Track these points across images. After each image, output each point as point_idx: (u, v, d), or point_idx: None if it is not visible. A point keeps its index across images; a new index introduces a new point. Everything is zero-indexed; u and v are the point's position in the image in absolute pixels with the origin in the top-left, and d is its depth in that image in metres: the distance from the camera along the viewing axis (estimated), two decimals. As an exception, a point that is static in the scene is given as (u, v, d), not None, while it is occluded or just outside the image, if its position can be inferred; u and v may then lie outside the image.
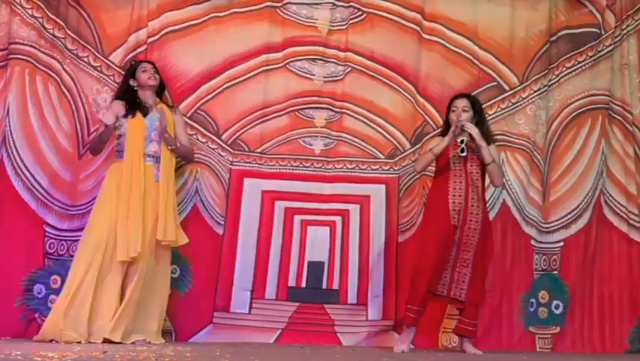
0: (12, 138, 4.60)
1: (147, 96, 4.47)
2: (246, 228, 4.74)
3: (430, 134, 4.84)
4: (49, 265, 4.59)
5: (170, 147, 4.41)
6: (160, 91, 4.56)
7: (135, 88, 4.46)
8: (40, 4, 4.67)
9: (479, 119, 4.41)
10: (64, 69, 4.68)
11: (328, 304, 4.74)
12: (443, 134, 4.45)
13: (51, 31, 4.69)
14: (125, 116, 4.39)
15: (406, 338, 4.35)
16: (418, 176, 4.83)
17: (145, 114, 4.40)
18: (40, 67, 4.66)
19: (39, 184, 4.61)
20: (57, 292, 4.52)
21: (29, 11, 4.67)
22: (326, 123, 4.88)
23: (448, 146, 4.36)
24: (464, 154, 4.34)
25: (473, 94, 4.71)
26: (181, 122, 4.56)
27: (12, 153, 4.60)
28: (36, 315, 4.55)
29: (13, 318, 4.51)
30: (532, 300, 4.87)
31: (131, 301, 4.25)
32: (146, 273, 4.28)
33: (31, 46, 4.65)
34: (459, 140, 4.36)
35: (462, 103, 4.41)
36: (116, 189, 4.31)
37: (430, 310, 4.59)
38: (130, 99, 4.43)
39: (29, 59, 4.64)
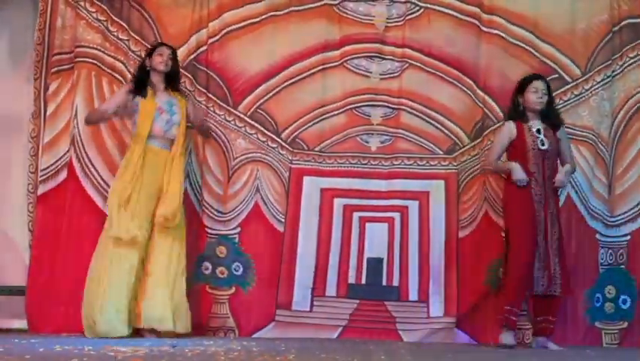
0: (80, 138, 4.73)
1: (157, 80, 4.53)
2: (306, 225, 4.78)
3: (495, 126, 4.79)
4: (115, 262, 4.70)
5: (201, 127, 4.59)
6: (172, 79, 4.57)
7: (148, 69, 4.51)
8: (104, 7, 4.80)
9: (551, 100, 4.44)
10: (128, 70, 4.80)
11: (389, 301, 4.74)
12: (513, 117, 4.41)
13: (115, 33, 4.82)
14: (135, 96, 4.46)
15: (510, 337, 4.33)
16: (477, 171, 4.81)
17: (151, 94, 4.47)
18: (106, 69, 4.79)
19: (106, 183, 4.72)
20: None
21: (94, 15, 4.81)
22: (382, 120, 4.88)
23: (525, 140, 4.35)
24: (545, 147, 4.34)
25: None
26: (191, 108, 4.63)
27: (80, 153, 4.73)
28: (105, 311, 4.66)
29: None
30: (598, 295, 4.78)
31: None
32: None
33: (96, 49, 4.79)
34: (534, 129, 4.36)
35: (542, 85, 4.43)
36: (132, 168, 4.38)
37: (494, 305, 4.56)
38: (139, 79, 4.49)
39: (95, 61, 4.78)
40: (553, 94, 4.80)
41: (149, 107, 4.45)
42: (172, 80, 4.57)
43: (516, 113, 4.44)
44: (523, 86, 4.45)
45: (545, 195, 4.34)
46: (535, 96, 4.40)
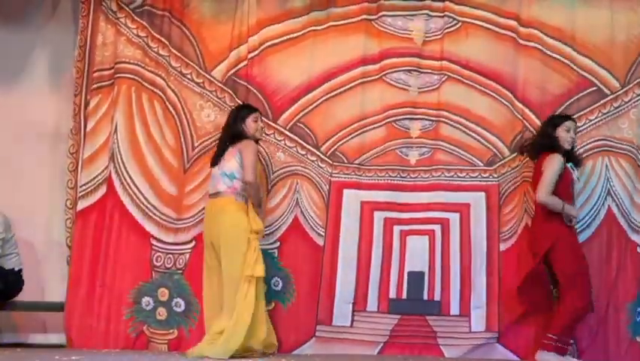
0: (120, 154, 4.75)
1: None
2: (346, 239, 4.75)
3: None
4: (156, 278, 4.69)
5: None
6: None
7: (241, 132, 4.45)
8: (144, 23, 4.84)
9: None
10: (168, 86, 4.82)
11: (430, 315, 4.68)
12: (544, 149, 4.49)
13: (155, 49, 4.85)
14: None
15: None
16: (519, 183, 4.78)
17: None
18: (146, 85, 4.82)
19: (145, 199, 4.74)
20: (165, 304, 4.65)
21: (134, 31, 4.84)
22: (421, 133, 4.86)
23: (571, 175, 4.48)
24: (578, 184, 4.58)
25: (573, 100, 4.78)
26: None
27: (120, 168, 4.74)
28: (144, 327, 4.64)
29: (122, 330, 4.62)
30: (639, 309, 4.73)
31: None
32: None
33: (136, 64, 4.82)
34: (569, 165, 4.56)
35: (574, 126, 4.58)
36: None
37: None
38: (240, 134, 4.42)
39: (135, 77, 4.81)
40: (593, 106, 4.83)
41: None
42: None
43: (547, 146, 4.48)
44: (557, 122, 4.53)
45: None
46: (568, 135, 4.50)
